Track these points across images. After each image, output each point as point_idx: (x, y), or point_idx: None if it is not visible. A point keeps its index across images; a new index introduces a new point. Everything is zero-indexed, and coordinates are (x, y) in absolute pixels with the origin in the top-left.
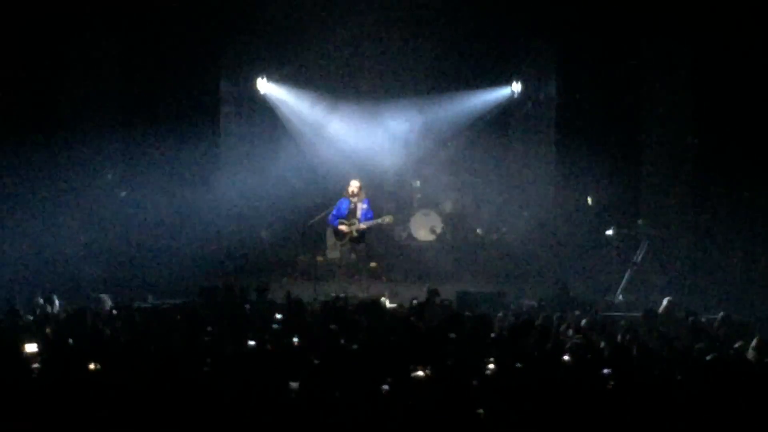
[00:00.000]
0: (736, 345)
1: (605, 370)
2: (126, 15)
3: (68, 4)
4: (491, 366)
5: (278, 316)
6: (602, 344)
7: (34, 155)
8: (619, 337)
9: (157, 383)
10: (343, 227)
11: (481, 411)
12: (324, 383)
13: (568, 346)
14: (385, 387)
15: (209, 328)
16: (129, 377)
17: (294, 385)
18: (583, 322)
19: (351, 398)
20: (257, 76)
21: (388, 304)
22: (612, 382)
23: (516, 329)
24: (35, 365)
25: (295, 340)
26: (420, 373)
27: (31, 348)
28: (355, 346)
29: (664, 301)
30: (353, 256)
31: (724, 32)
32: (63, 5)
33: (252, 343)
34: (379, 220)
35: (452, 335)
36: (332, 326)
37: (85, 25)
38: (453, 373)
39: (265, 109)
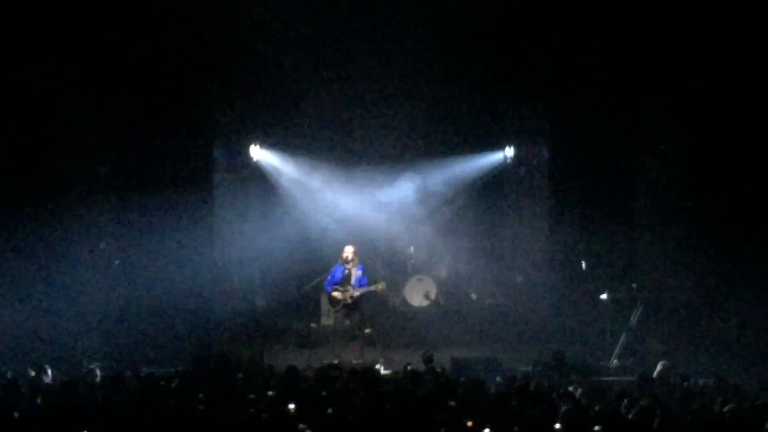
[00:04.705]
0: (728, 408)
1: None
2: (119, 83)
3: (61, 72)
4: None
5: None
6: (597, 408)
7: (27, 224)
8: (613, 402)
9: None
10: (337, 294)
11: None
12: None
13: (562, 410)
14: None
15: (201, 396)
16: None
17: None
18: (578, 387)
19: None
20: (250, 143)
21: (382, 371)
22: None
23: (510, 395)
24: None
25: (291, 406)
26: None
27: None
28: (348, 415)
29: (659, 366)
30: (348, 322)
31: (716, 93)
32: (56, 73)
33: (246, 411)
34: (373, 287)
35: (450, 403)
36: (323, 393)
37: (78, 94)
38: None
39: (258, 175)
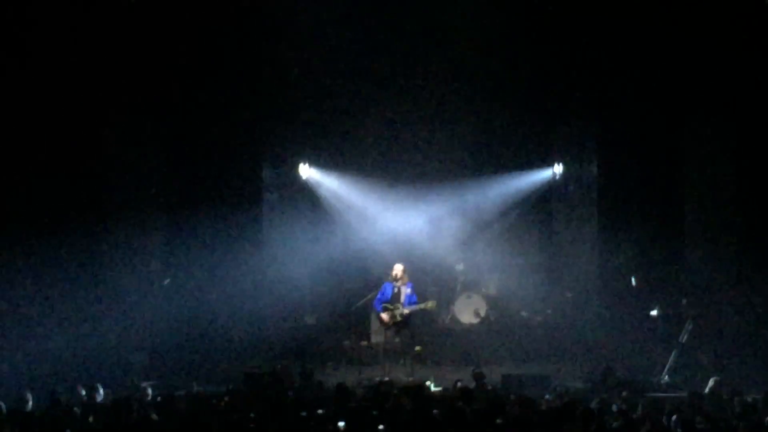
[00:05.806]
0: None
1: None
2: (169, 103)
3: (111, 92)
4: None
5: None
6: (647, 425)
7: (78, 244)
8: (664, 419)
9: None
10: (385, 315)
11: None
12: None
13: (613, 427)
14: None
15: (253, 415)
16: None
17: None
18: (628, 403)
19: None
20: (299, 162)
21: (433, 389)
22: None
23: (560, 412)
24: None
25: (341, 424)
26: None
27: None
28: None
29: (710, 381)
30: (397, 340)
31: (765, 109)
32: (105, 94)
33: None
34: (422, 306)
35: (498, 420)
36: (374, 412)
37: (127, 114)
38: None
39: (307, 194)
